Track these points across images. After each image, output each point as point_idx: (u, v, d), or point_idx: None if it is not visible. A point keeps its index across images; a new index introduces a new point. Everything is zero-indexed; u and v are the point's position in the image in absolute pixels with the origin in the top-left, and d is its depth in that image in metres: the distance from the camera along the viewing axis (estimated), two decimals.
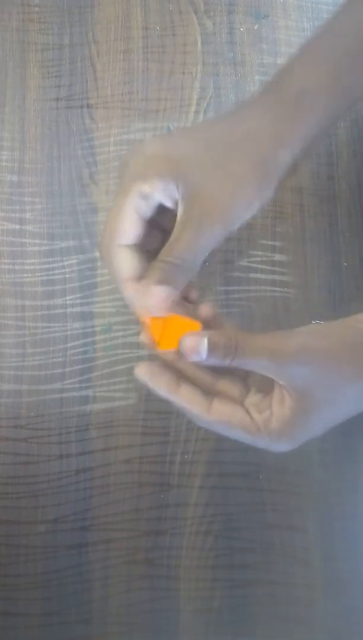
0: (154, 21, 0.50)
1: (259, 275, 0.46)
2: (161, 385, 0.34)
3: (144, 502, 0.44)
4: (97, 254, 0.46)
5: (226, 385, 0.35)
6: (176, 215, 0.34)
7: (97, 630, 0.43)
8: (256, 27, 0.50)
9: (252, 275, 0.46)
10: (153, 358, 0.45)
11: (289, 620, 0.43)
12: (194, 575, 0.43)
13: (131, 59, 0.49)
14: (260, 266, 0.47)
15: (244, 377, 0.35)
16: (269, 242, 0.47)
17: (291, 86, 0.35)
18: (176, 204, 0.33)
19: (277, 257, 0.47)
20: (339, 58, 0.35)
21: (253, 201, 0.34)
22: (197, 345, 0.32)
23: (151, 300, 0.33)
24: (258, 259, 0.47)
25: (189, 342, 0.32)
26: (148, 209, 0.34)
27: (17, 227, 0.47)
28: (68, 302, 0.46)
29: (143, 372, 0.34)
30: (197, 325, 0.34)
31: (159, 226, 0.36)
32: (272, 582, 0.43)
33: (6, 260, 0.46)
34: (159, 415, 0.45)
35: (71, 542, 0.43)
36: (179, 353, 0.33)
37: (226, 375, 0.35)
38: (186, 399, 0.33)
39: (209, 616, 0.43)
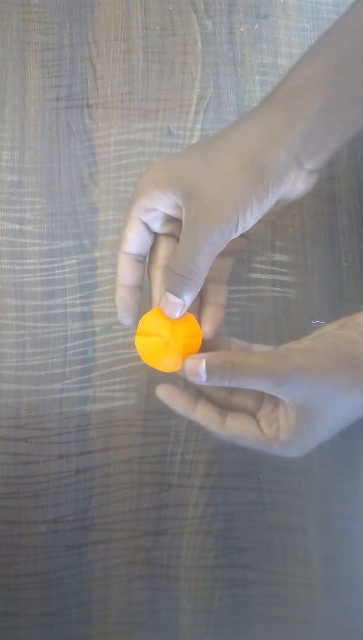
0: (154, 21, 0.50)
1: (259, 275, 0.46)
2: (178, 406, 0.36)
3: (144, 502, 0.44)
4: (97, 254, 0.46)
5: (240, 398, 0.37)
6: None
7: (97, 630, 0.43)
8: (256, 27, 0.50)
9: (252, 275, 0.46)
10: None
11: (289, 620, 0.43)
12: (194, 575, 0.43)
13: (131, 59, 0.49)
14: (260, 266, 0.47)
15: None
16: (269, 242, 0.47)
17: (284, 85, 0.35)
18: (181, 212, 0.34)
19: (277, 257, 0.47)
20: (339, 58, 0.35)
21: (247, 201, 0.33)
22: (196, 369, 0.34)
23: (164, 303, 0.34)
24: (258, 259, 0.47)
25: (189, 366, 0.34)
26: (154, 221, 0.35)
27: (17, 227, 0.47)
28: (68, 302, 0.46)
29: (163, 394, 0.36)
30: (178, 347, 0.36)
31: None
32: (272, 582, 0.43)
33: (6, 260, 0.46)
34: (159, 415, 0.45)
35: (71, 542, 0.43)
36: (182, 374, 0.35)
37: (241, 389, 0.36)
38: (201, 417, 0.36)
39: (209, 616, 0.43)
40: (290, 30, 0.50)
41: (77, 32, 0.50)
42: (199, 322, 0.37)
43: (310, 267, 0.47)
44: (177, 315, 0.35)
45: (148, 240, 0.36)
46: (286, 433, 0.34)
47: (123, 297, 0.36)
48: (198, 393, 0.37)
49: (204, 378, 0.34)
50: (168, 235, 0.37)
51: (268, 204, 0.34)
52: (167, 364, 0.36)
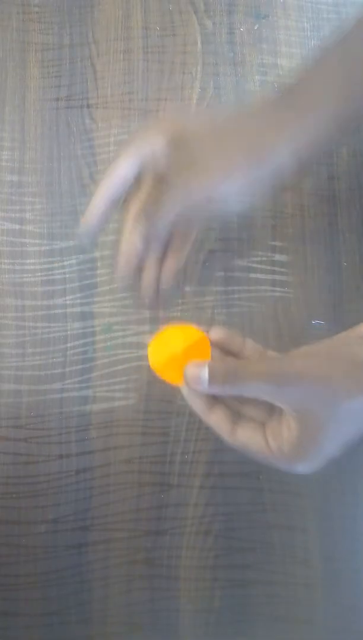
0: (154, 21, 0.50)
1: (259, 275, 0.46)
2: (196, 406, 0.37)
3: (144, 502, 0.44)
4: (97, 254, 0.46)
5: (250, 409, 0.37)
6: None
7: (97, 630, 0.43)
8: (256, 27, 0.50)
9: (252, 275, 0.46)
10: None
11: (289, 620, 0.43)
12: (194, 575, 0.43)
13: (131, 59, 0.49)
14: (260, 266, 0.47)
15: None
16: (269, 242, 0.47)
17: (299, 88, 0.36)
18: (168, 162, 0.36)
19: (277, 257, 0.47)
20: (349, 68, 0.36)
21: (241, 182, 0.35)
22: (198, 375, 0.34)
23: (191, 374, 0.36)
24: (258, 259, 0.47)
25: (191, 372, 0.35)
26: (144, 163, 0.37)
27: (17, 227, 0.47)
28: (68, 302, 0.46)
29: (186, 393, 0.37)
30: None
31: None
32: (272, 582, 0.43)
33: (6, 260, 0.46)
34: (159, 415, 0.45)
35: (71, 542, 0.43)
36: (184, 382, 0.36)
37: (251, 400, 0.37)
38: (214, 423, 0.36)
39: (209, 616, 0.43)
40: (290, 30, 0.50)
41: (77, 32, 0.50)
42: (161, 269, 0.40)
43: (310, 267, 0.47)
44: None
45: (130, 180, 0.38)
46: (289, 445, 0.34)
47: (100, 203, 0.38)
48: (215, 398, 0.38)
49: (205, 385, 0.34)
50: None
51: (259, 192, 0.36)
52: (177, 377, 0.37)
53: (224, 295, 0.46)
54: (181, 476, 0.44)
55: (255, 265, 0.47)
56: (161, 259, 0.41)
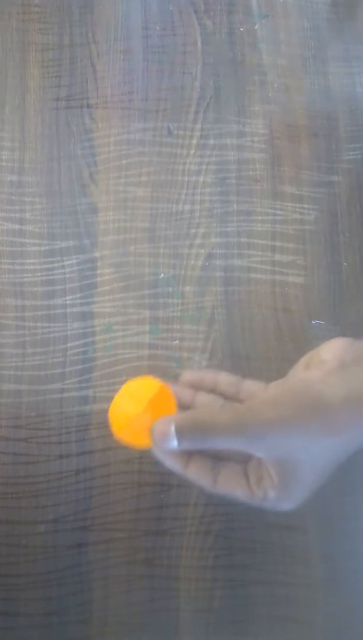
0: (154, 21, 0.50)
1: (259, 275, 0.46)
2: (171, 464, 0.35)
3: (144, 502, 0.44)
4: (97, 254, 0.46)
5: (229, 450, 0.36)
6: None
7: (97, 630, 0.43)
8: (256, 27, 0.50)
9: (252, 275, 0.46)
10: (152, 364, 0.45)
11: (289, 620, 0.43)
12: (194, 575, 0.43)
13: (131, 59, 0.49)
14: (260, 266, 0.47)
15: None
16: (269, 242, 0.47)
17: None
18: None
19: (277, 257, 0.47)
20: None
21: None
22: (167, 433, 0.33)
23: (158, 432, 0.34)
24: (258, 259, 0.47)
25: (158, 432, 0.33)
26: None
27: (17, 227, 0.47)
28: (68, 302, 0.46)
29: (157, 452, 0.35)
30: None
31: None
32: (272, 582, 0.43)
33: (6, 260, 0.46)
34: None
35: (71, 542, 0.43)
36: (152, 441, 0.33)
37: None
38: (194, 476, 0.35)
39: (209, 616, 0.43)
40: (290, 30, 0.50)
41: (77, 32, 0.50)
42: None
43: (310, 267, 0.47)
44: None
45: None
46: (273, 490, 0.34)
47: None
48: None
49: (175, 443, 0.33)
50: None
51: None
52: (144, 439, 0.34)
53: (224, 295, 0.46)
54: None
55: (255, 265, 0.47)
56: None
